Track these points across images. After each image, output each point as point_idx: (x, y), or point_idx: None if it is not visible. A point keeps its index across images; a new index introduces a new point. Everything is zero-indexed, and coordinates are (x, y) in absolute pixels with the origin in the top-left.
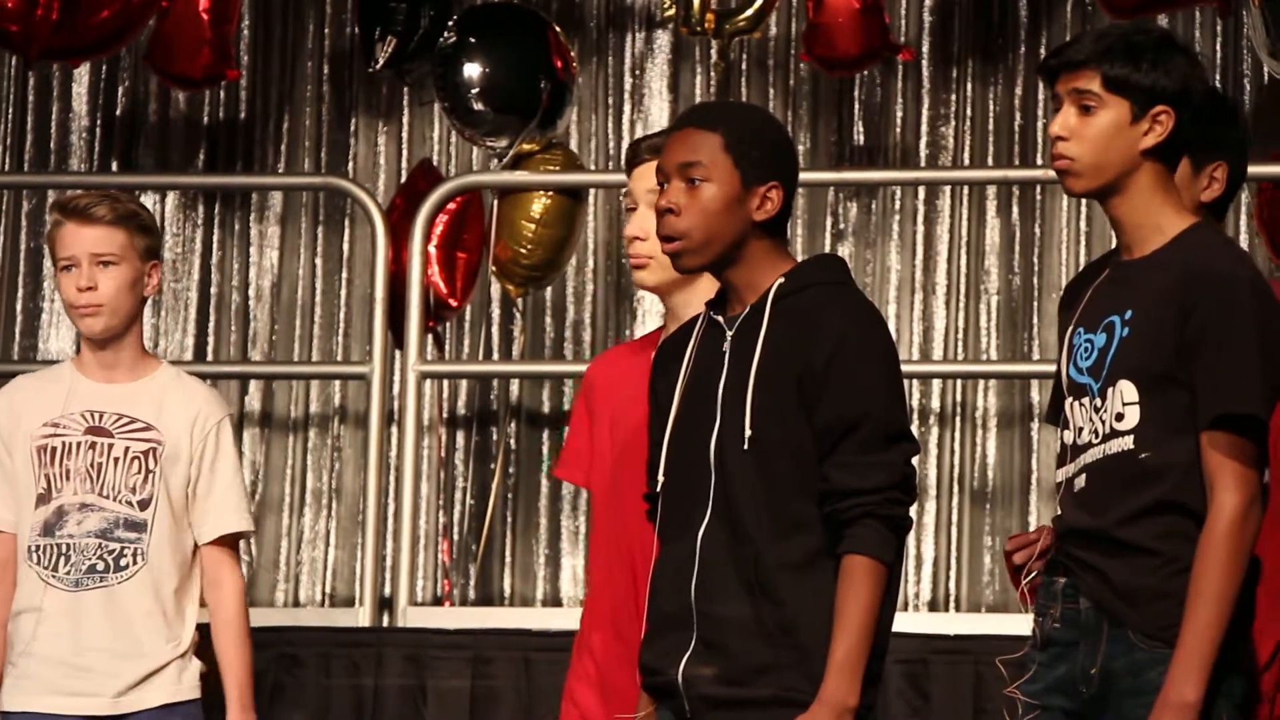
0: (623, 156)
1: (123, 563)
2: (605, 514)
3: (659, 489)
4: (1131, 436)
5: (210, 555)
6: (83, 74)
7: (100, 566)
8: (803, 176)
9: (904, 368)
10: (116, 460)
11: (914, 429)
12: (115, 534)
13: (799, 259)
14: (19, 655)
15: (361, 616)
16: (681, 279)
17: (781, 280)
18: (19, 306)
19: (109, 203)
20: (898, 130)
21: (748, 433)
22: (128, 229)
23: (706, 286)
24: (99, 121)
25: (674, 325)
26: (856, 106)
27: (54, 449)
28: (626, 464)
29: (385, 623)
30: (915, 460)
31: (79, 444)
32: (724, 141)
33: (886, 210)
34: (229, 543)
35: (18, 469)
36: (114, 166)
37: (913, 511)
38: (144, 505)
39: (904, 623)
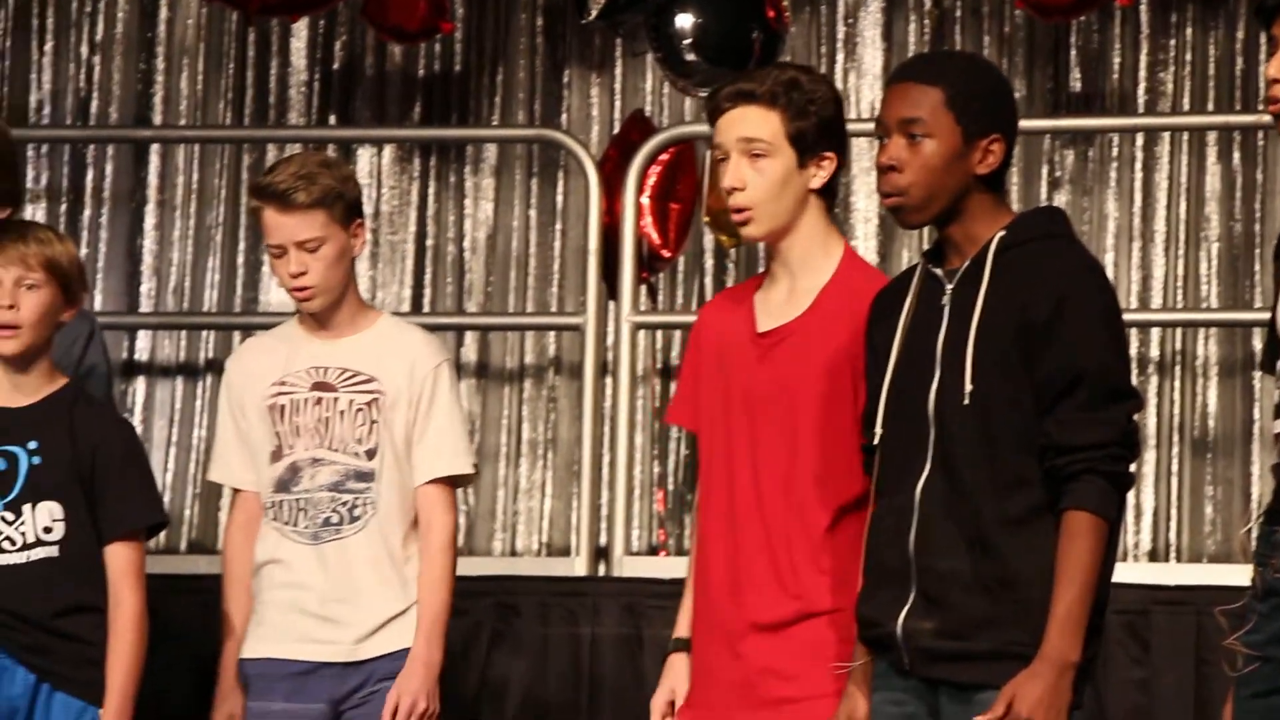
0: (704, 109)
1: (356, 513)
2: (711, 455)
3: (877, 441)
4: None
5: (423, 497)
6: (301, 29)
7: (335, 519)
8: (1019, 124)
9: (1123, 316)
10: (342, 413)
11: (1133, 378)
12: (347, 485)
13: (1016, 209)
14: (262, 605)
15: (578, 566)
16: (786, 226)
17: (1003, 233)
18: (240, 260)
19: (305, 184)
20: (1115, 76)
21: (968, 388)
22: (326, 207)
23: (806, 230)
24: (317, 76)
25: (780, 271)
26: (1073, 53)
27: (283, 407)
28: (733, 406)
29: (601, 572)
30: (1137, 416)
31: (306, 400)
32: (945, 96)
33: (1104, 157)
34: (442, 485)
35: (253, 429)
36: (331, 120)
37: (1132, 465)
38: (371, 455)
39: (1124, 573)
